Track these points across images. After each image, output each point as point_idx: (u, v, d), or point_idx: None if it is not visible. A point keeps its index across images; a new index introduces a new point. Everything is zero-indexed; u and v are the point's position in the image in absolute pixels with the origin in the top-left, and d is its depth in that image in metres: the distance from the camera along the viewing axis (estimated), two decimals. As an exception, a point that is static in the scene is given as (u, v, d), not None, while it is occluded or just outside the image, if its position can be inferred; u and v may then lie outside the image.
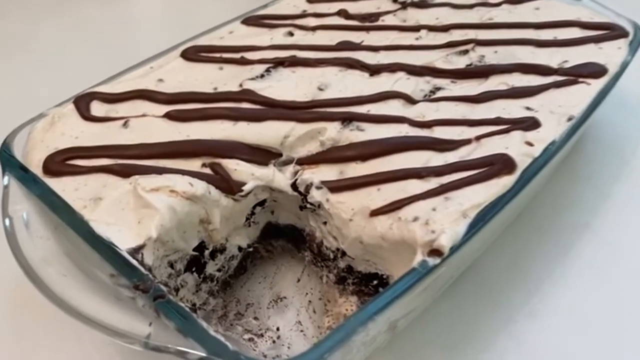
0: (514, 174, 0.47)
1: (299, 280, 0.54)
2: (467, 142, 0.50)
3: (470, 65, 0.60)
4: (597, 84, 0.57)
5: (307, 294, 0.53)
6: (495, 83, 0.57)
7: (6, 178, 0.47)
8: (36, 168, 0.48)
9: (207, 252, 0.49)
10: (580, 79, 0.57)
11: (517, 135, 0.51)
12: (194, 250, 0.48)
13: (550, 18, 0.66)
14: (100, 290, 0.40)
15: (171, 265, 0.46)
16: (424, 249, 0.42)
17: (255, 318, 0.51)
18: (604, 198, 0.64)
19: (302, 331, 0.50)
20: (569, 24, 0.65)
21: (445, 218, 0.43)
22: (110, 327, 0.38)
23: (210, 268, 0.50)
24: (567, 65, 0.59)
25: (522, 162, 0.48)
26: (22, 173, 0.48)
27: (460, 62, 0.60)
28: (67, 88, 0.57)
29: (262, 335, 0.50)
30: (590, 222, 0.61)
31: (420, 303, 0.46)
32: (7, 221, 0.44)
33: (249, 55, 0.61)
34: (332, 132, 0.51)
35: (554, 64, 0.59)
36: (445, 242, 0.41)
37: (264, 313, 0.52)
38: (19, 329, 0.53)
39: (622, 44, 0.62)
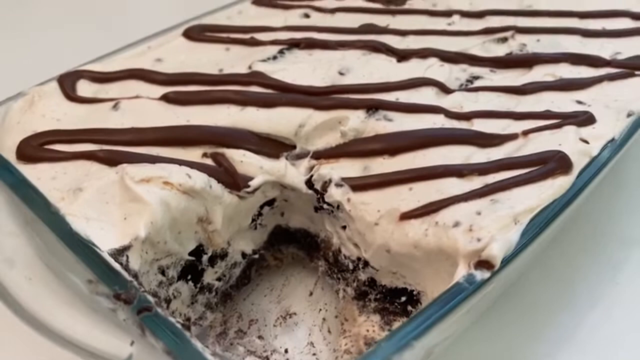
0: (571, 174, 0.40)
1: (311, 294, 0.48)
2: (513, 137, 0.44)
3: (510, 54, 0.53)
4: (657, 78, 0.50)
5: (320, 310, 0.47)
6: (541, 74, 0.51)
7: (-29, 164, 0.40)
8: (9, 153, 0.42)
9: (205, 258, 0.43)
10: (637, 72, 0.50)
11: (570, 130, 0.44)
12: (190, 254, 0.42)
13: (597, 7, 0.60)
14: (73, 299, 0.33)
15: (162, 271, 0.39)
16: (468, 260, 0.35)
17: (260, 337, 0.45)
18: (656, 209, 0.56)
19: (314, 354, 0.44)
20: (619, 14, 0.59)
21: (494, 224, 0.36)
22: (82, 345, 0.31)
23: (209, 276, 0.44)
24: (620, 57, 0.53)
25: (578, 161, 0.41)
26: (-10, 158, 0.41)
27: (499, 51, 0.54)
28: (55, 66, 0.50)
29: (267, 358, 0.43)
30: (642, 237, 0.54)
31: (459, 327, 0.39)
32: (-34, 213, 0.37)
33: (260, 36, 0.54)
34: (355, 122, 0.45)
35: (606, 55, 0.53)
36: (496, 252, 0.34)
37: (270, 331, 0.45)
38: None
39: (679, 37, 0.55)
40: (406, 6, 0.60)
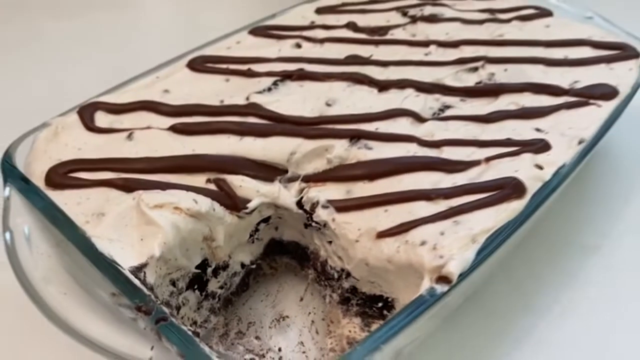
0: (524, 198, 0.46)
1: (301, 299, 0.54)
2: (476, 163, 0.50)
3: (480, 83, 0.59)
4: (608, 106, 0.56)
5: (310, 313, 0.53)
6: (506, 102, 0.56)
7: (7, 189, 0.46)
8: (38, 180, 0.47)
9: (209, 270, 0.49)
10: (591, 101, 0.57)
11: (527, 157, 0.50)
12: (196, 267, 0.47)
13: (561, 36, 0.66)
14: (101, 310, 0.40)
15: (173, 283, 0.46)
16: (431, 274, 0.41)
17: (257, 337, 0.50)
18: (614, 219, 0.63)
19: (304, 352, 0.50)
20: (581, 42, 0.65)
21: (454, 243, 0.42)
22: (111, 349, 0.37)
23: (212, 285, 0.50)
24: (578, 86, 0.58)
25: (532, 186, 0.47)
26: (24, 184, 0.47)
27: (470, 80, 0.60)
28: (72, 94, 0.57)
29: (263, 356, 0.49)
30: (600, 245, 0.60)
31: (427, 329, 0.45)
32: (7, 235, 0.43)
33: (256, 67, 0.60)
34: (340, 150, 0.51)
35: (565, 84, 0.59)
36: (454, 269, 0.40)
37: (266, 332, 0.51)
38: (11, 344, 0.51)
39: (633, 65, 0.62)
40: (388, 36, 0.66)
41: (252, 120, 0.53)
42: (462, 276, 0.41)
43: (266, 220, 0.51)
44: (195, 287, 0.48)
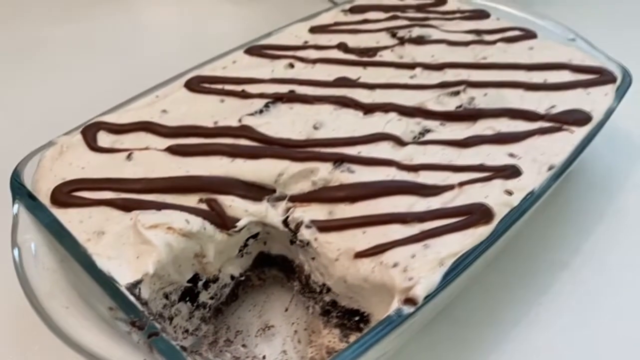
0: (491, 223, 0.50)
1: (286, 310, 0.57)
2: (450, 187, 0.53)
3: (460, 106, 0.62)
4: (580, 132, 0.59)
5: (293, 323, 0.56)
6: (483, 127, 0.59)
7: (16, 206, 0.50)
8: (44, 197, 0.51)
9: (200, 283, 0.52)
10: (565, 126, 0.60)
11: (497, 183, 0.53)
12: (188, 281, 0.51)
13: (543, 59, 0.68)
14: (99, 323, 0.44)
15: (166, 296, 0.50)
16: (401, 295, 0.45)
17: (244, 345, 0.54)
18: (586, 237, 0.66)
19: None
20: (560, 66, 0.67)
21: (423, 266, 0.46)
22: (106, 360, 0.41)
23: (203, 297, 0.53)
24: (554, 111, 0.61)
25: (500, 212, 0.50)
26: (31, 202, 0.51)
27: (451, 104, 0.62)
28: (77, 103, 0.62)
29: None
30: (570, 262, 0.63)
31: (395, 345, 0.49)
32: (16, 251, 0.47)
33: (250, 89, 0.63)
34: (324, 173, 0.54)
35: (541, 109, 0.61)
36: (420, 292, 0.44)
37: (252, 341, 0.54)
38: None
39: (609, 90, 0.64)
40: (377, 58, 0.69)
41: (244, 142, 0.57)
42: (428, 298, 0.44)
43: (255, 236, 0.55)
44: (187, 299, 0.52)
